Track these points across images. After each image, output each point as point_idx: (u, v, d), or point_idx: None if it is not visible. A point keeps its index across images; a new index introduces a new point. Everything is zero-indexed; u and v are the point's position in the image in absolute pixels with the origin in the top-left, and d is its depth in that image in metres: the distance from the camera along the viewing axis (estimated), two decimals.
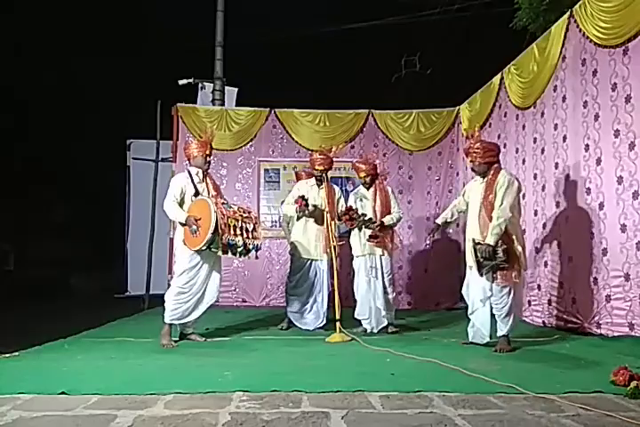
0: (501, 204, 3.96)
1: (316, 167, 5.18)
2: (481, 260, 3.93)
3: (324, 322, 5.11)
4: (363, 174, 5.10)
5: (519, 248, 3.99)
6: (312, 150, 6.21)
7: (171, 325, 4.46)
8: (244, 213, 4.35)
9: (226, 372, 3.22)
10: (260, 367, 3.42)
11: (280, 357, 3.85)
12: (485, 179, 4.12)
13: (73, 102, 12.95)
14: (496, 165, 4.11)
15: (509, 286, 3.98)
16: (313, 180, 5.35)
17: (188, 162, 4.77)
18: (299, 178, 6.20)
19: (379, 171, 5.21)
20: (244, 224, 4.27)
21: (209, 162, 4.67)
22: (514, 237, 3.99)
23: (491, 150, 4.12)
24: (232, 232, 4.19)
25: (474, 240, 4.02)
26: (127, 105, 12.26)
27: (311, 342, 4.53)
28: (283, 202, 6.44)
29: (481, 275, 4.02)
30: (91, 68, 12.94)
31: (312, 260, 5.21)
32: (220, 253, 4.27)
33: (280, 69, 12.26)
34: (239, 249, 4.24)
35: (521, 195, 5.91)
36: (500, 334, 4.10)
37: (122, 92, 12.55)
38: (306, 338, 4.70)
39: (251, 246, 4.30)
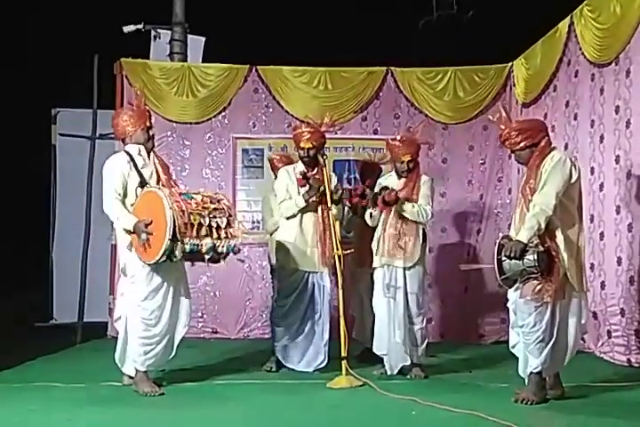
0: (542, 188, 3.93)
1: (302, 145, 5.17)
2: (504, 259, 3.86)
3: (326, 360, 5.13)
4: (407, 158, 5.07)
5: (566, 257, 3.91)
6: (301, 121, 6.02)
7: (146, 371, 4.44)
8: (211, 202, 4.33)
9: None
10: (237, 424, 3.43)
11: (264, 409, 3.88)
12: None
13: None
14: (542, 144, 4.13)
15: (540, 305, 3.91)
16: (300, 165, 5.29)
17: (122, 142, 4.79)
18: (273, 166, 6.14)
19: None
20: (212, 219, 4.25)
21: (152, 136, 4.71)
22: (561, 239, 3.93)
23: (526, 130, 4.18)
24: (195, 234, 4.17)
25: (506, 236, 4.04)
26: (52, 61, 12.23)
27: (308, 387, 4.55)
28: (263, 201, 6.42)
29: (507, 285, 3.96)
30: None
31: (309, 272, 5.21)
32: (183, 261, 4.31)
33: (264, 12, 12.22)
34: (207, 256, 4.23)
35: (588, 184, 5.96)
36: (526, 370, 4.04)
37: (45, 42, 12.51)
38: (300, 382, 4.72)
39: (224, 249, 4.28)
